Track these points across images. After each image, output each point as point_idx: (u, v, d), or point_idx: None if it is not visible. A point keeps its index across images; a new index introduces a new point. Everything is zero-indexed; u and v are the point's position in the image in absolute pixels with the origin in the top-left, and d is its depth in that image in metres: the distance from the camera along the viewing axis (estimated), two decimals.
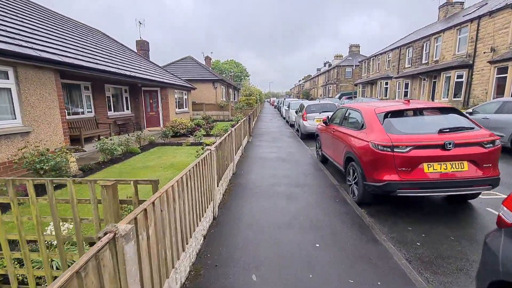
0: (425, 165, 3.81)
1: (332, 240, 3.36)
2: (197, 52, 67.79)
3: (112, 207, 2.01)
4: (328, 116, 6.92)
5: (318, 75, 61.47)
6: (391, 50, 28.28)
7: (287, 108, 18.66)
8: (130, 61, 13.56)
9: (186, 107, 18.53)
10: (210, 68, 27.81)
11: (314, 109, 11.43)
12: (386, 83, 28.62)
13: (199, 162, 3.13)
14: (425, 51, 22.99)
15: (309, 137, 11.54)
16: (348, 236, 3.47)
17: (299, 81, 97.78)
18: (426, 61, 22.70)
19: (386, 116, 4.32)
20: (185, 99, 18.43)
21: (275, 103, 46.53)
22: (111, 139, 10.04)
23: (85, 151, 8.41)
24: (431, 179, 3.79)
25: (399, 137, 3.93)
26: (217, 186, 4.16)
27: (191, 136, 11.84)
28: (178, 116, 16.61)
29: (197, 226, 2.98)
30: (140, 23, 18.56)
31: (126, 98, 13.54)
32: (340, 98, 37.34)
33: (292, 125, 16.58)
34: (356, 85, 37.54)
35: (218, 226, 3.73)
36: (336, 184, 5.52)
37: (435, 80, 21.38)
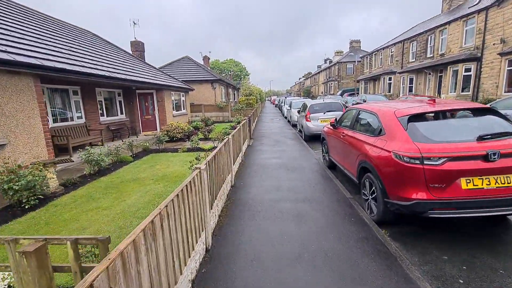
0: (463, 180, 3.10)
1: (354, 282, 2.66)
2: (196, 52, 67.11)
3: (38, 283, 1.32)
4: (336, 118, 6.21)
5: (318, 72, 60.58)
6: (394, 44, 27.42)
7: (289, 108, 17.93)
8: (123, 63, 12.88)
9: (184, 109, 17.86)
10: (209, 68, 27.09)
11: (317, 108, 10.70)
12: (390, 79, 27.80)
13: (183, 189, 2.44)
14: (430, 44, 22.15)
15: (313, 138, 10.83)
16: (372, 274, 2.77)
17: (299, 78, 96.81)
18: (431, 55, 21.87)
19: (410, 120, 3.60)
20: (183, 100, 17.75)
21: (276, 102, 45.76)
22: (102, 147, 9.41)
23: (73, 161, 7.74)
24: (471, 197, 3.09)
25: (430, 146, 3.22)
26: (211, 210, 3.47)
27: (188, 141, 11.15)
28: (176, 119, 15.94)
29: (181, 274, 2.29)
30: (135, 23, 17.87)
31: (120, 102, 12.87)
32: (342, 95, 36.56)
33: (294, 125, 15.87)
34: (358, 81, 36.71)
35: (211, 262, 3.04)
36: (349, 197, 4.82)
37: (441, 74, 20.56)
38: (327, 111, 10.50)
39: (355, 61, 45.03)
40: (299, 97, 24.33)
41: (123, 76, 10.47)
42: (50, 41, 8.79)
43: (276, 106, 44.86)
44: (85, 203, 4.93)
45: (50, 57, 7.19)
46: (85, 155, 6.58)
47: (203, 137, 11.78)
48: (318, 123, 10.43)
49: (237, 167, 6.77)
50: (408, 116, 3.63)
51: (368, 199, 4.15)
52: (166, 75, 16.88)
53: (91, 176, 6.56)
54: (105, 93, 11.82)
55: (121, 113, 12.93)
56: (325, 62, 61.03)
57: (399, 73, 25.64)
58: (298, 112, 13.13)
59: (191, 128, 12.77)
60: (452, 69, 18.80)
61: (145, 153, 9.24)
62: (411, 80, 24.18)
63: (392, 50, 28.21)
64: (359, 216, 4.08)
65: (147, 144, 9.57)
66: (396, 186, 3.43)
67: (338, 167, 6.00)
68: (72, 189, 5.70)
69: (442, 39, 20.82)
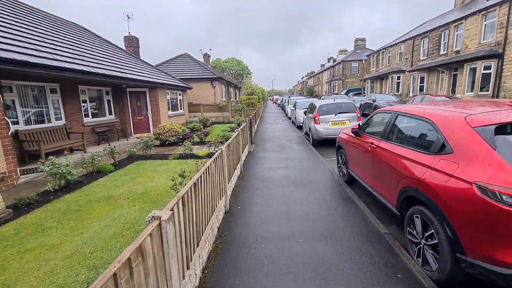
0: None
1: None
2: (196, 50, 65.90)
3: None
4: (359, 124, 4.90)
5: (322, 71, 59.14)
6: (403, 41, 25.98)
7: (293, 108, 16.61)
8: (110, 58, 11.64)
9: (181, 109, 16.60)
10: (209, 66, 25.75)
11: (328, 109, 9.39)
12: (398, 78, 26.37)
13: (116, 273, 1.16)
14: (443, 41, 20.71)
15: (322, 143, 9.53)
16: None
17: (302, 78, 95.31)
18: (445, 52, 20.43)
19: (499, 131, 2.30)
20: (180, 100, 16.50)
21: (279, 101, 44.42)
22: (82, 153, 8.17)
23: (42, 171, 6.50)
24: None
25: None
26: (183, 280, 2.16)
27: (182, 145, 9.88)
28: (172, 120, 14.68)
29: None
30: (129, 17, 16.60)
31: (109, 101, 11.63)
32: (346, 94, 35.16)
33: (299, 127, 14.57)
34: (364, 80, 35.28)
35: None
36: (384, 233, 3.52)
37: (456, 73, 19.14)
38: (339, 113, 9.19)
39: (360, 60, 43.65)
40: (303, 97, 22.97)
41: (108, 72, 9.22)
42: (11, 28, 7.54)
43: (278, 106, 43.53)
44: (30, 236, 3.68)
45: (9, 47, 5.93)
46: (48, 166, 5.32)
47: (199, 140, 10.52)
48: (329, 126, 9.13)
49: (233, 184, 5.48)
50: (495, 127, 2.32)
51: (421, 244, 2.85)
52: (162, 73, 15.62)
53: (55, 192, 5.30)
54: (91, 92, 10.58)
55: (110, 113, 11.69)
56: (329, 61, 59.54)
57: (409, 71, 24.22)
58: (305, 113, 11.82)
59: (187, 131, 11.50)
60: (469, 66, 17.38)
61: (130, 160, 7.98)
62: (422, 79, 22.76)
63: (401, 48, 26.77)
64: (407, 268, 2.78)
65: (134, 150, 8.31)
66: (482, 239, 2.14)
67: (360, 183, 4.71)
68: (24, 213, 4.45)
69: (457, 35, 19.38)
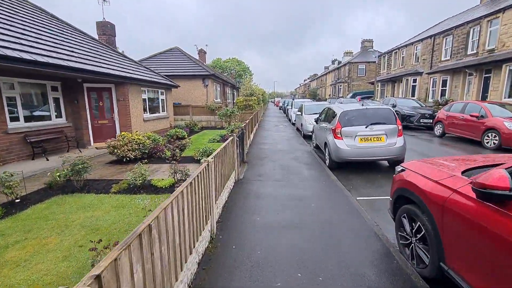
0: None
1: None
2: (195, 50, 62.96)
3: None
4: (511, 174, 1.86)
5: (326, 74, 56.19)
6: (421, 40, 22.98)
7: (299, 113, 13.59)
8: (63, 42, 8.66)
9: (163, 111, 13.61)
10: (204, 63, 22.71)
11: (354, 119, 6.39)
12: (414, 80, 23.38)
13: None
14: (472, 38, 17.71)
15: (346, 166, 6.56)
16: None
17: (304, 80, 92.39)
18: (474, 52, 17.43)
19: None
20: (162, 100, 13.51)
21: (280, 104, 41.42)
22: None
23: None
24: None
25: None
26: None
27: (148, 162, 6.82)
28: (149, 125, 11.69)
29: None
30: (105, 0, 13.65)
31: (56, 100, 8.65)
32: (353, 97, 32.18)
33: (307, 137, 11.58)
34: (372, 83, 32.28)
35: None
36: None
37: (488, 75, 16.12)
38: (372, 124, 6.19)
39: (368, 62, 40.68)
40: (309, 99, 19.87)
41: (48, 60, 6.25)
42: None
43: (280, 109, 40.51)
44: None
45: None
46: None
47: (179, 153, 7.46)
48: (356, 142, 6.13)
49: (201, 255, 2.50)
50: None
51: None
52: (140, 67, 12.65)
53: None
54: (24, 86, 7.60)
55: (59, 115, 8.71)
56: (333, 63, 56.61)
57: (428, 73, 21.22)
58: (316, 121, 8.83)
59: (160, 141, 8.49)
60: (509, 67, 14.37)
61: (47, 193, 4.97)
62: (444, 82, 19.75)
63: (417, 48, 23.79)
64: None
65: (63, 173, 5.28)
66: None
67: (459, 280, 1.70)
68: None
69: (490, 31, 16.38)
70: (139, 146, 7.28)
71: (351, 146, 6.14)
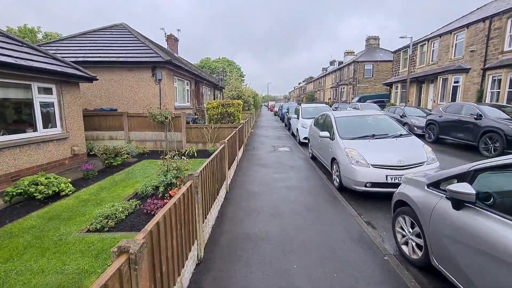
0: None
1: None
2: (192, 53, 55.96)
3: None
4: None
5: (325, 75, 49.95)
6: (466, 26, 16.65)
7: (304, 126, 6.90)
8: None
9: (52, 126, 6.67)
10: (163, 47, 15.03)
11: None
12: (456, 80, 17.04)
13: None
14: None
15: None
16: None
17: (299, 83, 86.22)
18: None
19: None
20: (53, 104, 6.59)
21: (276, 109, 34.66)
22: None
23: None
24: None
25: None
26: None
27: None
28: (11, 153, 4.73)
29: None
30: None
31: None
32: (360, 101, 25.79)
33: (320, 165, 4.93)
34: (388, 84, 25.96)
35: None
36: None
37: None
38: None
39: (375, 61, 34.49)
40: (323, 104, 13.01)
41: None
42: None
43: (276, 115, 33.74)
44: None
45: None
46: None
47: None
48: None
49: None
50: None
51: None
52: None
53: None
54: None
55: None
56: (331, 64, 50.41)
57: (485, 69, 14.88)
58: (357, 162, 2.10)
59: None
60: None
61: None
62: None
63: (459, 36, 17.47)
64: None
65: None
66: None
67: None
68: None
69: None
70: None
71: None
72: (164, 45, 17.62)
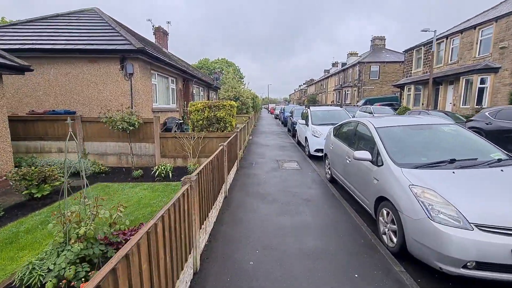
0: None
1: None
2: (191, 55, 53.91)
3: None
4: None
5: (327, 78, 47.81)
6: (495, 20, 14.48)
7: (315, 135, 4.79)
8: None
9: None
10: (137, 34, 12.35)
11: None
12: (483, 80, 14.85)
13: None
14: None
15: None
16: None
17: (300, 86, 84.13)
18: None
19: None
20: None
21: (277, 112, 32.39)
22: None
23: None
24: None
25: None
26: None
27: None
28: None
29: None
30: None
31: None
32: (367, 104, 23.58)
33: (346, 192, 2.73)
34: (399, 86, 23.77)
35: None
36: None
37: None
38: None
39: (382, 62, 32.37)
40: (339, 107, 10.68)
41: None
42: None
43: (276, 118, 31.47)
44: None
45: None
46: None
47: None
48: None
49: None
50: None
51: None
52: None
53: None
54: None
55: None
56: (334, 66, 48.30)
57: None
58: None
59: None
60: None
61: None
62: None
63: (485, 32, 15.31)
64: None
65: None
66: None
67: None
68: None
69: None
70: None
71: None
72: (153, 39, 15.42)
